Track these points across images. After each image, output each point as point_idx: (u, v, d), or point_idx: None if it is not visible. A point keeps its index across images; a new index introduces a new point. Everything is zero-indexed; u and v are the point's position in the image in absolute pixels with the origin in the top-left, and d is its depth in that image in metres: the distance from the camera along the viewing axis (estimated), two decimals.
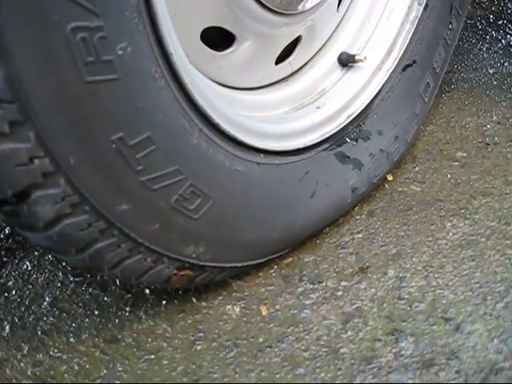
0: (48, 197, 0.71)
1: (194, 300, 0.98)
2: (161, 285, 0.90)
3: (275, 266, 1.04)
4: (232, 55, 0.99)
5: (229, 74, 1.01)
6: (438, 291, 0.98)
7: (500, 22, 1.73)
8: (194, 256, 0.88)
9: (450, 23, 1.24)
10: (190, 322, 0.95)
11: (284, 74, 1.11)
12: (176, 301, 0.98)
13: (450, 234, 1.09)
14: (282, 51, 1.08)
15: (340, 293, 0.99)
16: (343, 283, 1.01)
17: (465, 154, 1.27)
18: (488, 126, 1.35)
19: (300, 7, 1.01)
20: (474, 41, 1.66)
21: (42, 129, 0.66)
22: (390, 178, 1.21)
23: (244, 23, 0.97)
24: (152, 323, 0.95)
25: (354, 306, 0.97)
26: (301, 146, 1.02)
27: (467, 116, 1.38)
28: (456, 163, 1.25)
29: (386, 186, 1.20)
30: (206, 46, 0.94)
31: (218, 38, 0.98)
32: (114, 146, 0.72)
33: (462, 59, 1.58)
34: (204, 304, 0.98)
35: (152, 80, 0.74)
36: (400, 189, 1.20)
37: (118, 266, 0.82)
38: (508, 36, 1.67)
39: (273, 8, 0.97)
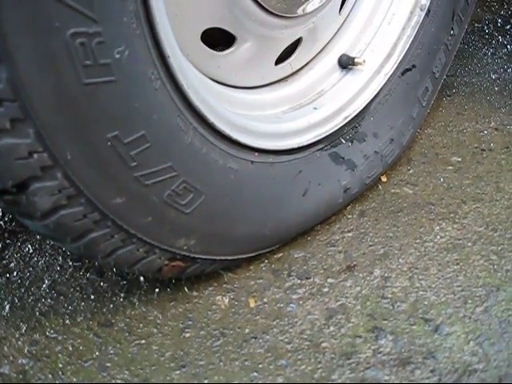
0: (46, 188, 0.75)
1: (185, 289, 1.02)
2: (153, 274, 0.94)
3: (266, 260, 1.07)
4: (232, 55, 1.02)
5: (228, 74, 1.04)
6: (421, 292, 1.01)
7: (508, 27, 1.73)
8: (185, 248, 0.92)
9: (452, 29, 1.26)
10: (180, 310, 0.99)
11: (283, 75, 1.13)
12: (168, 289, 1.02)
13: (438, 237, 1.12)
14: (283, 52, 1.10)
15: (326, 289, 1.03)
16: (330, 280, 1.04)
17: (459, 159, 1.29)
18: (485, 132, 1.37)
19: (300, 11, 1.03)
20: (479, 45, 1.66)
21: (42, 126, 0.70)
22: (383, 179, 1.23)
23: (244, 25, 0.99)
24: (144, 310, 0.99)
25: (339, 303, 1.00)
26: (295, 145, 1.05)
27: (465, 121, 1.40)
28: (450, 167, 1.27)
29: (379, 187, 1.22)
30: (205, 46, 0.97)
31: (218, 38, 1.00)
32: (109, 143, 0.76)
33: (466, 63, 1.59)
34: (195, 294, 1.02)
35: (148, 81, 0.77)
36: (393, 190, 1.22)
37: (111, 255, 0.86)
38: None
39: (273, 11, 0.99)
